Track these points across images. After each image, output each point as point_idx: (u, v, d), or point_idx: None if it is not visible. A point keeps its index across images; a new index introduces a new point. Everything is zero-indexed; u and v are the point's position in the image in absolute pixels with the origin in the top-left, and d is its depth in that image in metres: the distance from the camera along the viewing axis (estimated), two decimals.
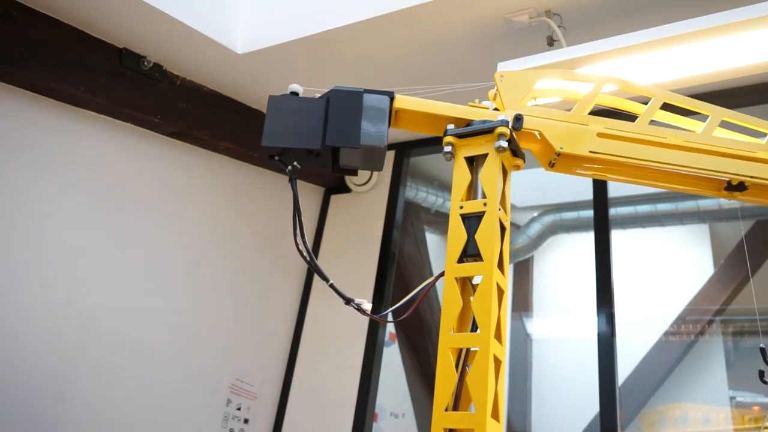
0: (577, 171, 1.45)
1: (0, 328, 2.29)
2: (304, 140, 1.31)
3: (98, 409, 2.51)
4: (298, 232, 1.28)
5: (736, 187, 1.39)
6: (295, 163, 1.32)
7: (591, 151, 1.37)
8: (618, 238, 2.73)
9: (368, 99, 1.35)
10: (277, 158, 1.33)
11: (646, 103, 1.48)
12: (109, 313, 2.60)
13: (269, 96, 1.35)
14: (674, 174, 1.43)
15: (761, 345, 1.48)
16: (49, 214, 2.48)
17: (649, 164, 1.38)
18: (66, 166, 2.56)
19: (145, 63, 2.70)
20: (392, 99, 1.38)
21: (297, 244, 1.28)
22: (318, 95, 1.37)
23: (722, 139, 1.41)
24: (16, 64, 2.38)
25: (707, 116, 1.45)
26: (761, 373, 1.45)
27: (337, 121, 1.32)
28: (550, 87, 1.58)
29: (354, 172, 1.43)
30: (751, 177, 1.36)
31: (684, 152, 1.38)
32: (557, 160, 1.41)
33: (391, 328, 3.63)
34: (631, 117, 1.48)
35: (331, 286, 1.27)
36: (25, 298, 2.37)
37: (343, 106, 1.33)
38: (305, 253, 1.29)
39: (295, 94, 1.36)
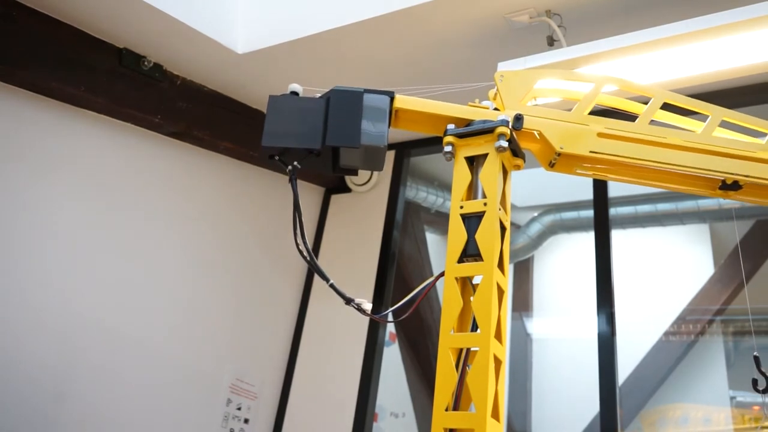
0: (578, 171, 1.45)
1: (0, 328, 2.29)
2: (305, 140, 1.31)
3: (98, 409, 2.51)
4: (298, 232, 1.28)
5: (730, 186, 1.39)
6: (295, 163, 1.32)
7: (591, 151, 1.37)
8: (618, 238, 2.74)
9: (368, 99, 1.35)
10: (277, 158, 1.33)
11: (645, 103, 1.48)
12: (110, 313, 2.60)
13: (269, 96, 1.35)
14: (671, 173, 1.43)
15: (755, 353, 1.50)
16: (49, 214, 2.48)
17: (649, 164, 1.38)
18: (66, 166, 2.56)
19: (146, 63, 2.70)
20: (392, 99, 1.37)
21: (297, 244, 1.28)
22: (318, 95, 1.37)
23: (722, 139, 1.42)
24: (17, 64, 2.38)
25: (706, 116, 1.45)
26: (755, 382, 1.47)
27: (337, 121, 1.32)
28: (550, 87, 1.58)
29: (354, 172, 1.43)
30: (746, 176, 1.37)
31: (683, 152, 1.38)
32: (557, 160, 1.41)
33: (391, 327, 3.63)
34: (629, 117, 1.48)
35: (332, 286, 1.27)
36: (25, 298, 2.37)
37: (343, 106, 1.33)
38: (305, 253, 1.29)
39: (295, 93, 1.36)
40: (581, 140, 1.38)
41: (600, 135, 1.39)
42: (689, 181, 1.45)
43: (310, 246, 1.31)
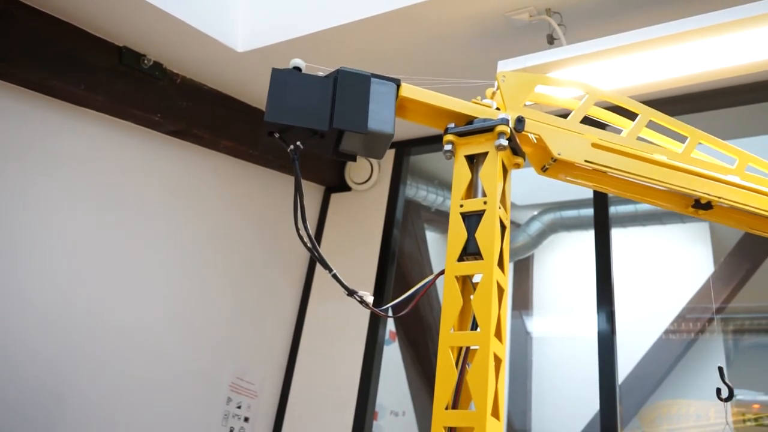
0: (567, 178, 1.50)
1: (0, 327, 2.30)
2: (311, 120, 1.24)
3: (98, 407, 2.51)
4: (299, 216, 1.21)
5: (703, 205, 1.51)
6: (298, 143, 1.25)
7: (586, 160, 1.41)
8: (618, 236, 2.74)
9: (375, 84, 1.30)
10: (277, 136, 1.25)
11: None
12: (110, 312, 2.60)
13: (273, 69, 1.28)
14: (650, 188, 1.51)
15: (719, 365, 1.61)
16: (49, 213, 2.48)
17: (635, 178, 1.44)
18: (66, 164, 2.56)
19: (146, 61, 2.70)
20: (398, 86, 1.34)
21: (297, 230, 1.21)
22: (320, 73, 1.31)
23: (699, 161, 1.51)
24: (16, 63, 2.38)
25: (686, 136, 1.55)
26: (718, 391, 1.56)
27: (345, 103, 1.26)
28: (548, 93, 1.61)
29: (353, 158, 1.38)
30: (719, 198, 1.47)
31: (665, 169, 1.46)
32: (552, 166, 1.44)
33: (391, 326, 3.63)
34: (598, 124, 1.54)
35: (334, 276, 1.24)
36: (25, 296, 2.37)
37: (350, 89, 1.28)
38: (306, 239, 1.23)
39: (297, 69, 1.29)
40: (578, 149, 1.41)
41: (594, 145, 1.43)
42: (665, 197, 1.55)
43: (308, 243, 1.24)
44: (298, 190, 1.22)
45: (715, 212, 1.53)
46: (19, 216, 2.40)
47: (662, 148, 1.54)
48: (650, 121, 1.53)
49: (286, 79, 1.27)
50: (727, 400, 1.53)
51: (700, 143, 1.54)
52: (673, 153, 1.51)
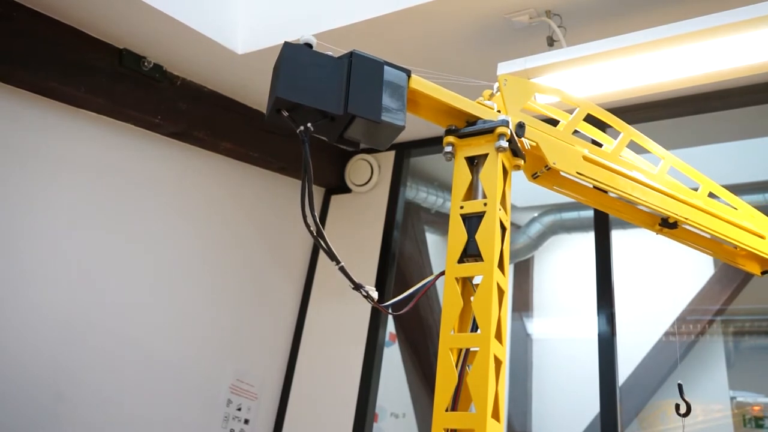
0: (554, 187, 1.54)
1: (1, 327, 2.30)
2: (325, 101, 1.19)
3: (99, 407, 2.51)
4: (307, 202, 1.15)
5: (669, 224, 1.61)
6: (309, 125, 1.19)
7: (578, 172, 1.43)
8: (618, 237, 2.74)
9: (388, 72, 1.27)
10: (286, 114, 1.19)
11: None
12: (110, 314, 2.60)
13: (285, 43, 1.23)
14: (626, 204, 1.61)
15: (679, 382, 1.68)
16: (49, 214, 2.48)
17: (616, 193, 1.50)
18: (66, 166, 2.56)
19: (146, 63, 2.70)
20: (408, 77, 1.31)
21: (305, 217, 1.15)
22: (329, 53, 1.27)
23: (671, 183, 1.60)
24: (16, 65, 2.38)
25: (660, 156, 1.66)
26: (677, 407, 1.63)
27: (359, 88, 1.22)
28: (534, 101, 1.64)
29: (356, 146, 1.33)
30: (686, 218, 1.57)
31: (643, 187, 1.53)
32: (543, 174, 1.46)
33: (391, 328, 3.63)
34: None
35: (341, 268, 1.22)
36: (26, 297, 2.38)
37: (365, 74, 1.24)
38: (313, 227, 1.18)
39: (309, 46, 1.24)
40: (571, 160, 1.43)
41: (584, 158, 1.46)
42: (637, 213, 1.66)
43: (314, 234, 1.19)
44: (306, 173, 1.15)
45: (678, 232, 1.64)
46: (18, 217, 2.40)
47: (639, 167, 1.59)
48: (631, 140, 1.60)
49: (298, 56, 1.22)
50: (685, 415, 1.62)
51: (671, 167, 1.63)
52: (649, 173, 1.58)
